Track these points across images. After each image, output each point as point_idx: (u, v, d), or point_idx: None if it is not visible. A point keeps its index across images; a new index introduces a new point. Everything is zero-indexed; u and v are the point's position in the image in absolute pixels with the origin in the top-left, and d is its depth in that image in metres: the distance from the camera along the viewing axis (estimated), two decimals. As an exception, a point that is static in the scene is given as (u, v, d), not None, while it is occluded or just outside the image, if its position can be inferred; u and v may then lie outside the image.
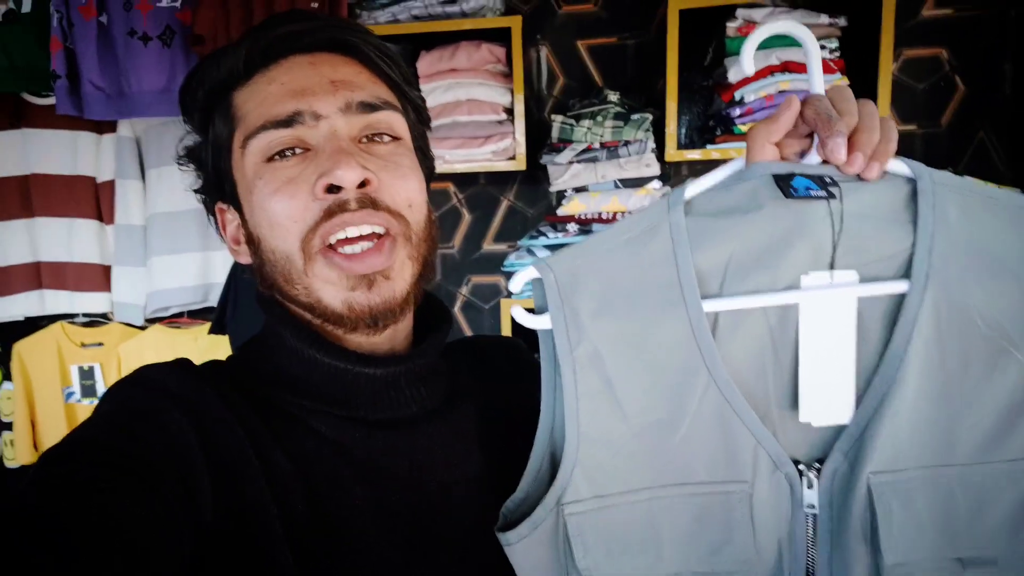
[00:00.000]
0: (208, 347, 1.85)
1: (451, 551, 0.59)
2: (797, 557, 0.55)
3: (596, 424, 0.55)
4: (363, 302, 0.57)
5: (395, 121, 0.61)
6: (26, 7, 1.75)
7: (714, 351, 0.53)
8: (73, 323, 1.91)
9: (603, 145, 1.62)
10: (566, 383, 0.54)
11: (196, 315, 1.91)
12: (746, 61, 0.55)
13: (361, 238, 0.57)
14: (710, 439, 0.54)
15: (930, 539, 0.52)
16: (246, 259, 0.64)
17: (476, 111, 1.66)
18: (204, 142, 0.63)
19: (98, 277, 1.88)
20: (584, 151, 1.63)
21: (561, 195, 1.69)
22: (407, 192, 0.59)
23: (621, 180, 1.63)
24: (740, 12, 1.53)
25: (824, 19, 1.53)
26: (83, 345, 1.91)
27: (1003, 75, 1.68)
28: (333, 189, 0.56)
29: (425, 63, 1.70)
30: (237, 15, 1.70)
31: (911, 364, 0.52)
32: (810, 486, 0.54)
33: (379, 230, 0.57)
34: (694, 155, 1.61)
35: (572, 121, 1.65)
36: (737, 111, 1.55)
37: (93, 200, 1.88)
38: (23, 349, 1.89)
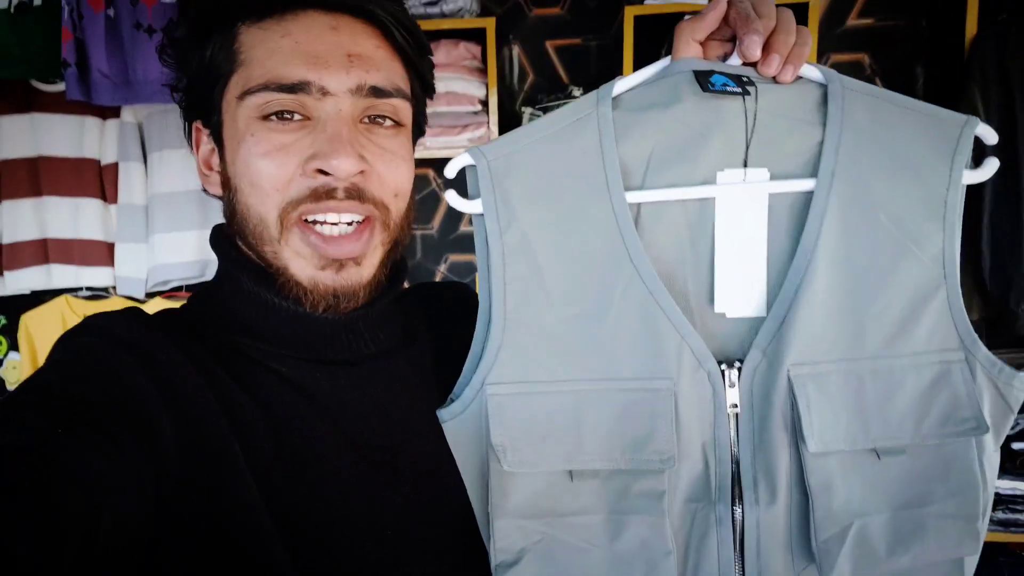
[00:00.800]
0: (205, 317, 2.00)
1: (414, 480, 0.60)
2: (722, 460, 0.56)
3: (523, 309, 0.55)
4: (328, 283, 0.57)
5: (402, 109, 0.60)
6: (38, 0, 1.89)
7: (637, 241, 0.55)
8: (77, 296, 2.04)
9: (568, 134, 1.82)
10: (494, 266, 0.55)
11: (195, 288, 2.06)
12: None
13: (340, 223, 0.57)
14: (636, 333, 0.55)
15: (846, 427, 0.53)
16: (214, 190, 0.62)
17: (454, 102, 1.85)
18: (197, 54, 0.59)
19: (102, 253, 2.02)
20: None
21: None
22: (396, 183, 0.59)
23: (584, 166, 1.84)
24: (687, 17, 1.74)
25: (761, 26, 1.75)
26: (86, 317, 2.04)
27: (916, 77, 1.92)
28: (323, 173, 0.55)
29: (409, 59, 1.88)
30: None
31: (821, 258, 0.54)
32: (731, 385, 0.55)
33: (359, 218, 0.57)
34: (648, 144, 1.82)
35: (540, 113, 1.85)
36: (685, 105, 1.77)
37: (97, 181, 2.02)
38: (29, 320, 2.02)
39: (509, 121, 1.99)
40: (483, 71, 1.89)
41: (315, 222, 0.57)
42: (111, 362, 0.50)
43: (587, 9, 2.03)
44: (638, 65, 1.84)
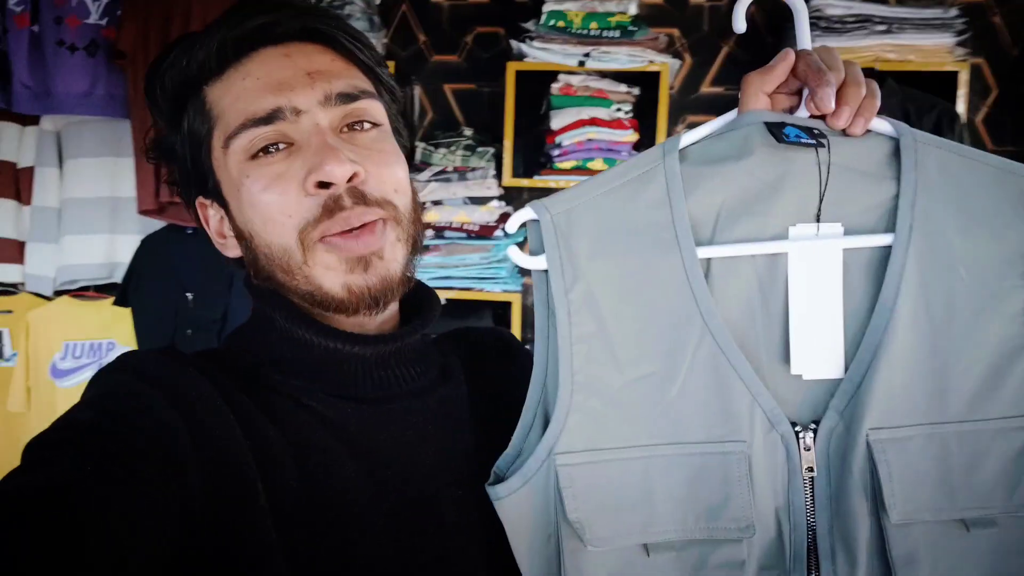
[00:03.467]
0: (111, 318, 2.13)
1: (442, 525, 0.59)
2: (797, 526, 0.52)
3: (590, 370, 0.53)
4: (361, 283, 0.57)
5: (374, 108, 0.61)
6: (-36, 13, 2.02)
7: (709, 298, 0.53)
8: (-12, 291, 2.15)
9: (455, 169, 2.07)
10: (560, 326, 0.53)
11: (102, 290, 2.19)
12: (738, 20, 0.57)
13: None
14: (706, 394, 0.53)
15: (930, 496, 0.50)
16: (233, 252, 0.63)
17: (355, 134, 2.06)
18: (176, 135, 0.62)
19: (12, 251, 2.14)
20: (440, 172, 2.07)
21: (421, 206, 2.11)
22: (393, 179, 0.60)
23: (469, 197, 2.08)
24: (561, 77, 2.02)
25: (623, 87, 2.04)
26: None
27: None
28: (323, 185, 0.56)
29: (315, 92, 2.09)
30: (156, 34, 2.02)
31: (900, 316, 0.51)
32: (807, 448, 0.52)
33: (372, 219, 0.58)
34: (525, 182, 2.09)
35: (432, 148, 2.09)
36: (556, 151, 2.04)
37: (13, 183, 2.14)
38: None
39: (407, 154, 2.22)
40: (383, 108, 2.11)
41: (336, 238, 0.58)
42: (143, 401, 0.51)
43: (481, 59, 2.29)
44: (522, 113, 2.10)
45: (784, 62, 0.55)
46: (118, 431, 0.48)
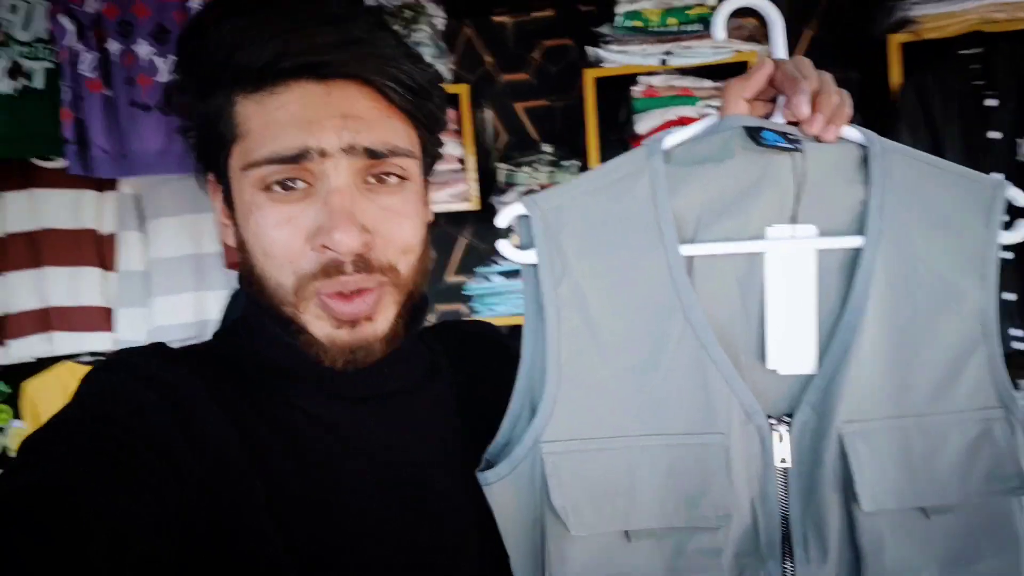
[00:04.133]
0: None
1: (441, 518, 0.60)
2: (771, 515, 0.55)
3: (577, 362, 0.55)
4: (344, 340, 0.58)
5: (404, 164, 0.59)
6: (38, 83, 2.02)
7: (691, 294, 0.55)
8: (79, 362, 2.12)
9: (541, 187, 1.99)
10: (549, 319, 0.55)
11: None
12: (718, 29, 0.60)
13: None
14: (686, 387, 0.55)
15: (897, 486, 0.53)
16: (230, 240, 0.62)
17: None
18: (197, 99, 0.59)
19: (101, 319, 2.11)
20: (528, 193, 1.99)
21: (508, 230, 2.03)
22: (403, 241, 0.59)
23: (558, 214, 2.00)
24: (641, 79, 1.94)
25: (708, 83, 1.95)
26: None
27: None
28: (329, 247, 0.55)
29: (391, 124, 2.04)
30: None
31: (869, 315, 0.54)
32: (780, 440, 0.55)
33: (370, 287, 0.58)
34: (614, 192, 2.00)
35: (515, 168, 2.02)
36: (646, 156, 1.95)
37: (96, 250, 2.12)
38: (31, 387, 2.08)
39: (485, 177, 2.16)
40: (460, 133, 2.06)
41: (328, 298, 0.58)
42: (137, 399, 0.51)
43: (551, 74, 2.22)
44: (602, 122, 2.02)
45: (763, 71, 0.57)
46: (112, 431, 0.48)
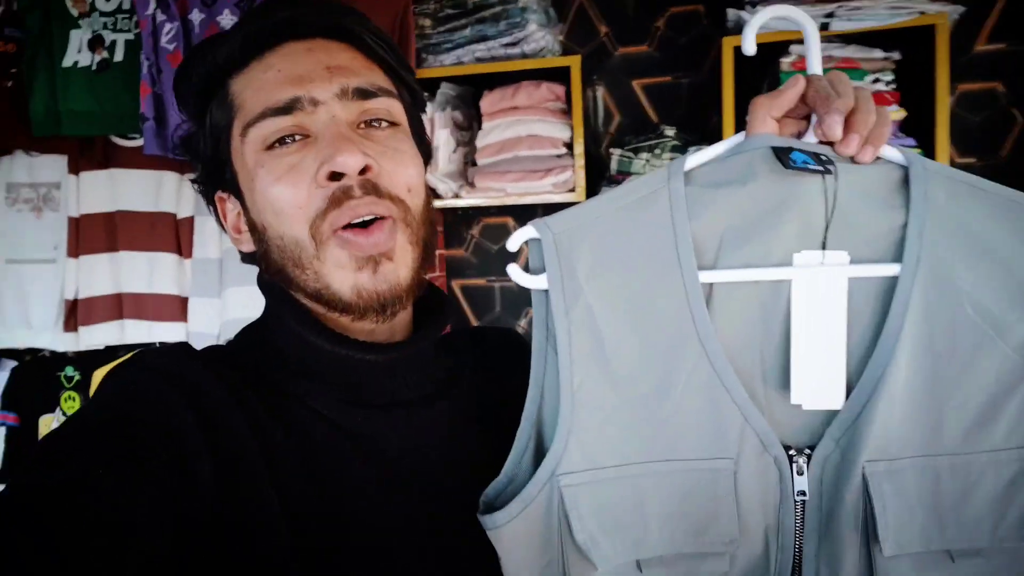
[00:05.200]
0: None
1: (451, 529, 0.59)
2: (785, 547, 0.53)
3: (589, 389, 0.54)
4: (370, 287, 0.57)
5: (392, 107, 0.62)
6: (118, 56, 1.90)
7: (708, 322, 0.53)
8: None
9: (661, 178, 1.67)
10: (561, 345, 0.54)
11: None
12: (748, 43, 0.57)
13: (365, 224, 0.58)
14: (699, 415, 0.53)
15: (921, 528, 0.51)
16: (248, 247, 0.64)
17: (536, 146, 1.73)
18: (200, 130, 0.63)
19: (175, 308, 1.98)
20: (642, 183, 1.68)
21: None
22: (406, 178, 0.60)
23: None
24: (793, 48, 1.58)
25: (878, 53, 1.57)
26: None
27: (1062, 105, 1.69)
28: (335, 176, 0.56)
29: (488, 102, 1.78)
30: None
31: (903, 349, 0.51)
32: (800, 473, 0.53)
33: (382, 213, 0.58)
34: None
35: (630, 154, 1.71)
36: (794, 143, 1.59)
37: (173, 235, 1.98)
38: (102, 376, 1.98)
39: (595, 164, 1.86)
40: (566, 112, 1.77)
41: (343, 227, 0.57)
42: (158, 399, 0.51)
43: (677, 45, 1.89)
44: (738, 100, 1.69)
45: (794, 88, 0.54)
46: (132, 430, 0.48)
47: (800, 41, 1.58)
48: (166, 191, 1.99)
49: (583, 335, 0.54)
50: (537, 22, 1.75)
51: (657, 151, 1.69)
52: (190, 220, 1.98)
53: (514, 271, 0.55)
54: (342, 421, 0.58)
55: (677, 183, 0.54)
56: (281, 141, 0.57)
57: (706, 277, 0.53)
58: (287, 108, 0.57)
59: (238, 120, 0.59)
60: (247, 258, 0.66)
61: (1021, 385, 0.51)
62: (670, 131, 1.75)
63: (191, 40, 1.85)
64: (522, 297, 2.05)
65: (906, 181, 0.53)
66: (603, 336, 0.54)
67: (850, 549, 0.52)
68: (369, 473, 0.57)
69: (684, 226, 0.53)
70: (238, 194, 0.62)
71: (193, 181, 0.68)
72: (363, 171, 0.57)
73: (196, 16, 1.86)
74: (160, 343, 1.98)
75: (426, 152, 0.67)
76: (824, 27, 1.53)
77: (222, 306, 1.94)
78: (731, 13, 1.62)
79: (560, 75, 1.76)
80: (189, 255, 1.98)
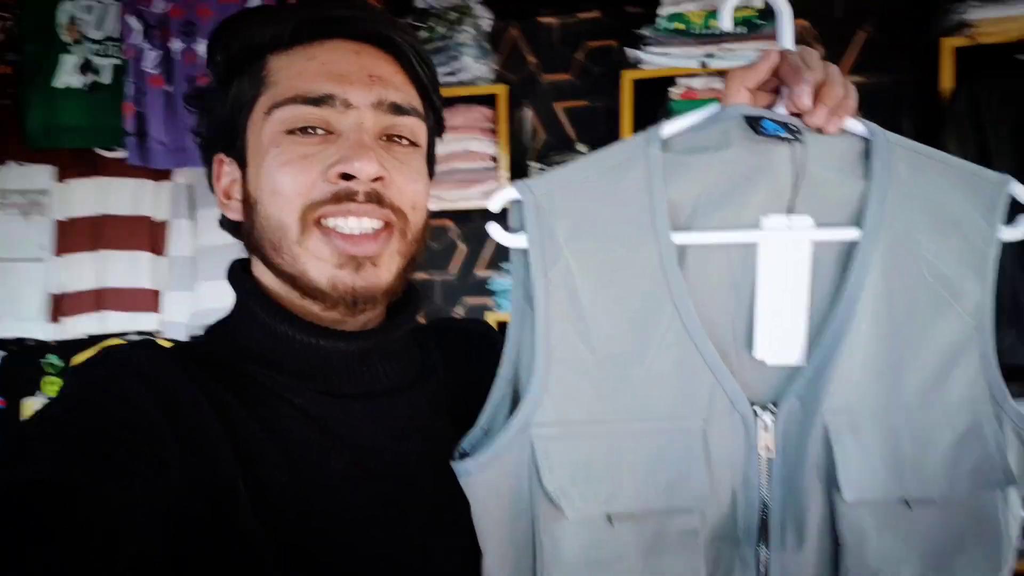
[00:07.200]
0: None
1: (428, 516, 0.60)
2: (751, 501, 0.55)
3: (565, 347, 0.55)
4: (347, 282, 0.58)
5: (418, 128, 0.63)
6: (106, 78, 2.15)
7: (681, 282, 0.55)
8: (125, 339, 2.23)
9: (574, 187, 1.97)
10: (538, 303, 0.55)
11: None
12: (725, 20, 0.60)
13: (360, 227, 0.59)
14: (671, 374, 0.55)
15: (881, 477, 0.53)
16: (233, 215, 0.64)
17: (469, 159, 2.03)
18: (220, 91, 0.62)
19: (150, 300, 2.22)
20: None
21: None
22: (413, 195, 0.61)
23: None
24: (680, 81, 1.90)
25: (750, 86, 1.89)
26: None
27: (902, 132, 2.03)
28: (346, 177, 0.57)
29: (429, 122, 2.08)
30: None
31: (863, 309, 0.54)
32: (765, 429, 0.55)
33: (378, 225, 0.59)
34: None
35: (547, 167, 2.01)
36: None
37: (149, 236, 2.23)
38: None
39: (519, 174, 2.16)
40: (494, 131, 2.07)
41: (335, 228, 0.58)
42: (125, 394, 0.51)
43: (593, 74, 2.21)
44: (640, 125, 2.00)
45: (768, 61, 0.55)
46: (103, 424, 0.48)
47: (688, 75, 1.91)
48: (145, 197, 2.24)
49: (561, 294, 0.54)
50: (472, 55, 2.05)
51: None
52: (164, 224, 2.24)
53: (494, 229, 0.56)
54: (318, 412, 0.59)
55: (654, 149, 0.55)
56: (303, 130, 0.58)
57: (678, 239, 0.55)
58: (319, 100, 0.58)
59: (266, 97, 0.60)
60: (226, 224, 0.67)
61: (972, 346, 0.55)
62: (582, 148, 2.06)
63: (172, 66, 2.12)
64: (460, 288, 2.34)
65: (868, 152, 0.55)
66: (580, 296, 0.54)
67: (814, 498, 0.54)
68: (341, 462, 0.57)
69: (660, 190, 0.54)
70: (242, 164, 0.62)
71: (195, 133, 0.67)
72: (375, 179, 0.58)
73: (176, 45, 2.12)
74: (138, 331, 2.22)
75: (431, 173, 0.68)
76: (703, 64, 1.85)
77: (194, 298, 2.19)
78: (629, 51, 1.93)
79: (489, 100, 2.06)
80: (162, 253, 2.23)
